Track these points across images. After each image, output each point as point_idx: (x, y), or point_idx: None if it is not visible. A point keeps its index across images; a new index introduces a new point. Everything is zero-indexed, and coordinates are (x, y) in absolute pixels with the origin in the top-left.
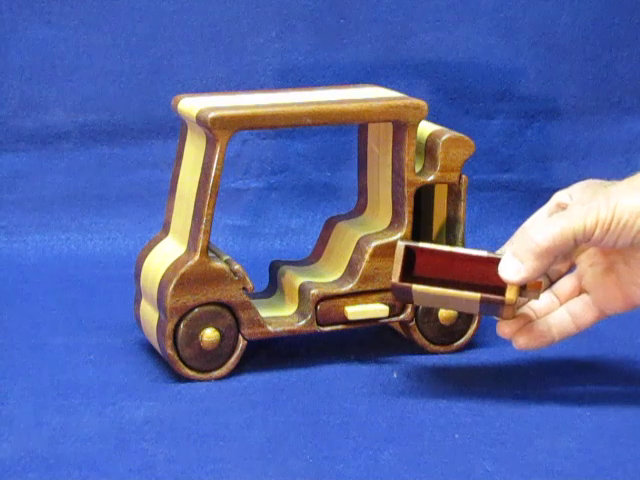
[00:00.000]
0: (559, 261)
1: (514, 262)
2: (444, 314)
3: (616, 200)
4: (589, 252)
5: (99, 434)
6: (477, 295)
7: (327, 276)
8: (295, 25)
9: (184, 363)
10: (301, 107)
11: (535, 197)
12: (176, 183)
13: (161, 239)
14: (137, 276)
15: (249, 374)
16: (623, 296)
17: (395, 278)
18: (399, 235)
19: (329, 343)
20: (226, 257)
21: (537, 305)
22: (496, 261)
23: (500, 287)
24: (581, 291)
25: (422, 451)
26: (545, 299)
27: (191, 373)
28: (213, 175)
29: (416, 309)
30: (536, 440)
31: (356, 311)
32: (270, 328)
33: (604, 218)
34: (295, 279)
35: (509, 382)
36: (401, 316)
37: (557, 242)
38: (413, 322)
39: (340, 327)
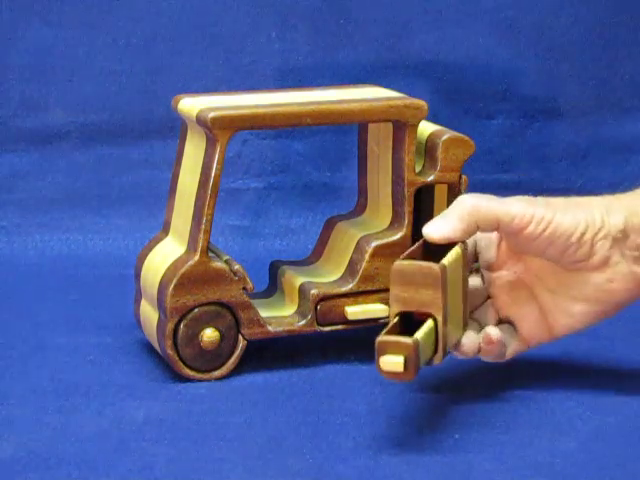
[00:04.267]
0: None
1: (438, 220)
2: None
3: (555, 209)
4: (508, 283)
5: (99, 434)
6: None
7: (327, 276)
8: (295, 25)
9: (184, 363)
10: (301, 107)
11: (535, 197)
12: (176, 183)
13: (161, 239)
14: (137, 276)
15: (249, 374)
16: (548, 326)
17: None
18: (399, 235)
19: (329, 343)
20: (226, 257)
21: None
22: None
23: None
24: (501, 322)
25: (422, 451)
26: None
27: (191, 373)
28: (213, 175)
29: None
30: (536, 440)
31: (356, 311)
32: (270, 328)
33: (541, 216)
34: (295, 279)
35: (509, 382)
36: None
37: (482, 210)
38: None
39: (340, 327)
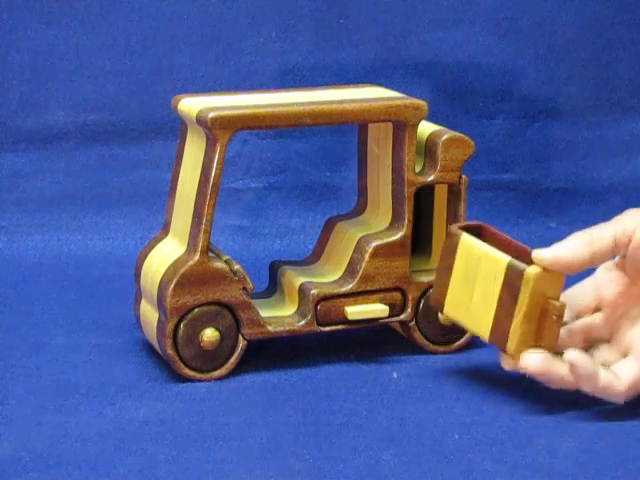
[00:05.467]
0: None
1: (557, 245)
2: None
3: None
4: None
5: (99, 434)
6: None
7: (327, 276)
8: (295, 25)
9: (184, 363)
10: (301, 107)
11: (535, 197)
12: (176, 183)
13: (161, 239)
14: (137, 276)
15: (249, 374)
16: None
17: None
18: (399, 235)
19: (329, 343)
20: (226, 257)
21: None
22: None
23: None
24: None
25: (422, 451)
26: None
27: (191, 373)
28: (213, 175)
29: (416, 309)
30: (536, 440)
31: (356, 311)
32: (270, 328)
33: None
34: (295, 279)
35: (509, 382)
36: (401, 316)
37: (595, 232)
38: (413, 322)
39: (340, 327)
